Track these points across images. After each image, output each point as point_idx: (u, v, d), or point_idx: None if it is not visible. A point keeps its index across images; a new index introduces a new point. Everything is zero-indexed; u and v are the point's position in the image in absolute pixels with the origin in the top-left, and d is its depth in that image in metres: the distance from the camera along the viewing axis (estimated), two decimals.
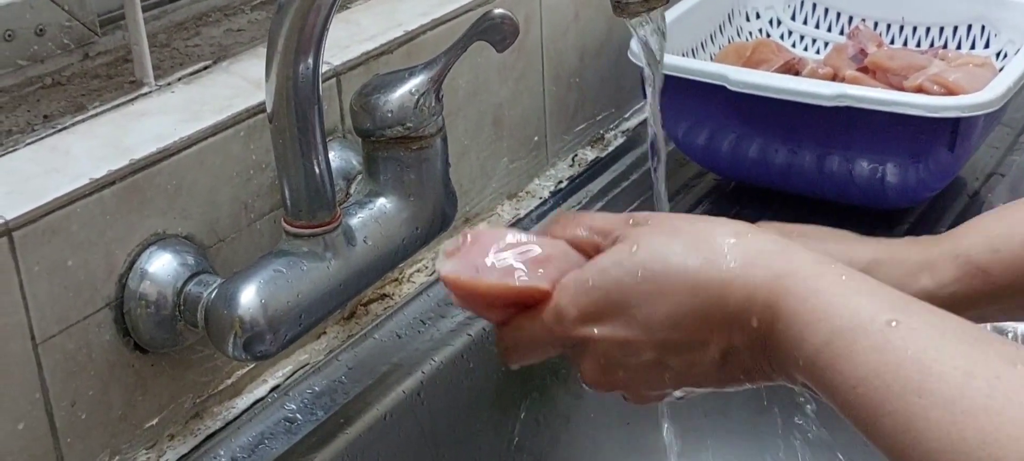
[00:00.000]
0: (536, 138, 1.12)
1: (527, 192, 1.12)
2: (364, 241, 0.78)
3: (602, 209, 1.11)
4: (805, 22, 1.27)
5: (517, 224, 1.08)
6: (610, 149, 1.22)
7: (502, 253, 0.67)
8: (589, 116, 1.20)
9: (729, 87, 1.02)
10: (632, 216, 0.66)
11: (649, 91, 0.67)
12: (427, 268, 0.99)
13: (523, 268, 0.65)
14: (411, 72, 0.79)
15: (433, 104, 0.79)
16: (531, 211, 1.10)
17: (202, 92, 0.82)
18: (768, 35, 1.27)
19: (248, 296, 0.71)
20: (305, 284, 0.73)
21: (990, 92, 0.96)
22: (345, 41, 0.91)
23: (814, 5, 1.26)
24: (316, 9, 0.68)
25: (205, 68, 0.86)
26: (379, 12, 0.97)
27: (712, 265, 0.59)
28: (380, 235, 0.79)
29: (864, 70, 1.09)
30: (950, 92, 1.03)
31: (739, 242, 0.60)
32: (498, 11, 0.77)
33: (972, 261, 0.68)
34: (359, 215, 0.79)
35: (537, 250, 0.67)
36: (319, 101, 0.72)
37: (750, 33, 1.27)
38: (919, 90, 1.05)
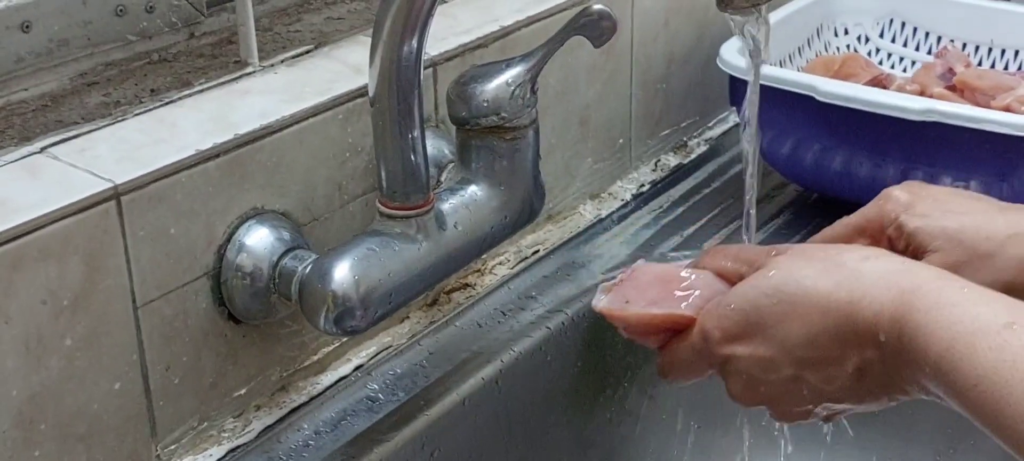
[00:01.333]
0: (621, 141, 1.13)
1: (609, 193, 1.13)
2: (454, 226, 0.79)
3: (684, 214, 1.13)
4: (893, 40, 1.27)
5: (599, 224, 1.09)
6: (693, 156, 1.23)
7: (653, 286, 0.76)
8: (673, 123, 1.21)
9: (817, 97, 1.03)
10: (774, 247, 0.71)
11: (749, 88, 0.68)
12: (509, 261, 1.01)
13: (669, 298, 0.74)
14: (508, 63, 0.81)
15: (528, 96, 0.81)
16: (612, 212, 1.11)
17: (304, 75, 0.85)
18: (856, 51, 1.28)
19: (342, 272, 0.73)
20: (396, 264, 0.75)
21: None
22: (443, 34, 0.93)
23: (903, 24, 1.27)
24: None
25: (306, 52, 0.88)
26: (476, 7, 0.99)
27: (841, 287, 0.64)
28: (470, 221, 0.80)
29: (952, 88, 1.09)
30: None
31: (866, 264, 0.65)
32: (597, 6, 0.79)
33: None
34: (450, 201, 0.80)
35: (686, 280, 0.75)
36: (419, 85, 0.73)
37: (837, 48, 1.27)
38: (1007, 110, 1.04)
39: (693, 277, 0.76)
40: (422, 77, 0.74)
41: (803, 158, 1.09)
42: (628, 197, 1.14)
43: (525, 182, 0.84)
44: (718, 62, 1.09)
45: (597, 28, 0.79)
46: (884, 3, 1.27)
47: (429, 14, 0.71)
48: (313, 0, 0.99)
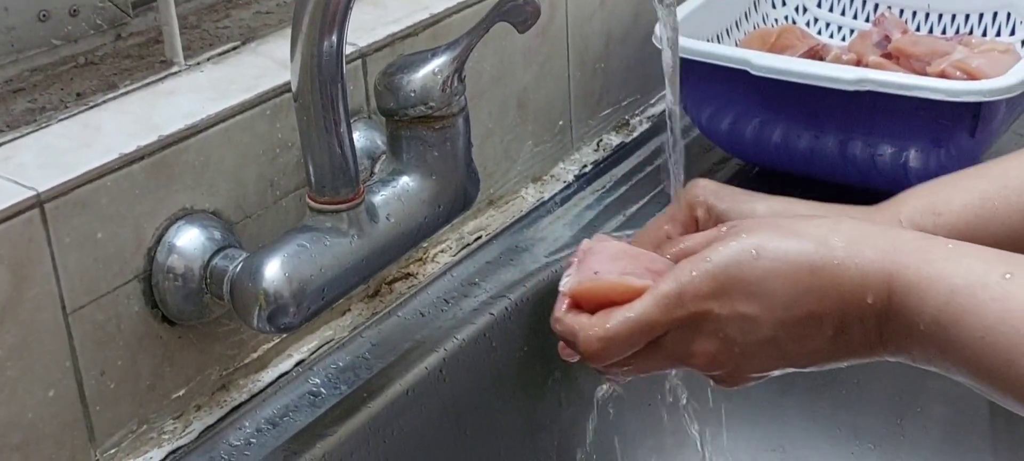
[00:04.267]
0: (561, 122, 1.13)
1: (551, 176, 1.13)
2: (387, 218, 0.79)
3: (627, 193, 1.13)
4: (831, 9, 1.28)
5: (541, 207, 1.09)
6: (635, 134, 1.23)
7: (621, 258, 0.71)
8: (614, 101, 1.21)
9: (752, 72, 1.03)
10: (726, 223, 0.69)
11: (666, 74, 0.68)
12: (451, 248, 1.01)
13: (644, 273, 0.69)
14: (434, 53, 0.81)
15: (456, 84, 0.81)
16: (555, 194, 1.11)
17: (230, 72, 0.84)
18: (794, 22, 1.28)
19: (272, 269, 0.73)
20: (328, 258, 0.75)
21: (1012, 77, 0.96)
22: (371, 23, 0.93)
23: None
24: None
25: (233, 49, 0.88)
26: None
27: (824, 245, 0.62)
28: (402, 213, 0.80)
29: (888, 56, 1.10)
30: (973, 78, 1.03)
31: (840, 228, 0.63)
32: None
33: (914, 225, 0.68)
34: (382, 193, 0.80)
35: (657, 258, 0.71)
36: (343, 79, 0.73)
37: (775, 20, 1.27)
38: (942, 76, 1.05)
39: (638, 253, 0.73)
40: (345, 70, 0.73)
41: (742, 132, 1.10)
42: (570, 178, 1.14)
43: (457, 171, 0.84)
44: (653, 40, 1.09)
45: (521, 13, 0.79)
46: None
47: (348, 6, 0.71)
48: None
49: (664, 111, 1.25)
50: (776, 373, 0.68)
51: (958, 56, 1.06)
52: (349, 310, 0.92)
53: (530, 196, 1.10)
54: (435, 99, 0.80)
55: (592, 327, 0.68)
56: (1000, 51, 1.08)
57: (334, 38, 0.71)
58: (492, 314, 0.94)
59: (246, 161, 0.81)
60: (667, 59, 0.68)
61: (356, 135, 0.87)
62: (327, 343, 0.89)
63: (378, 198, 0.79)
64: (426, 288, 0.96)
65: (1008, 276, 0.57)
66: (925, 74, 1.07)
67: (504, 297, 0.96)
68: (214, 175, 0.79)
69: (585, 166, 1.16)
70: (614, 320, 0.67)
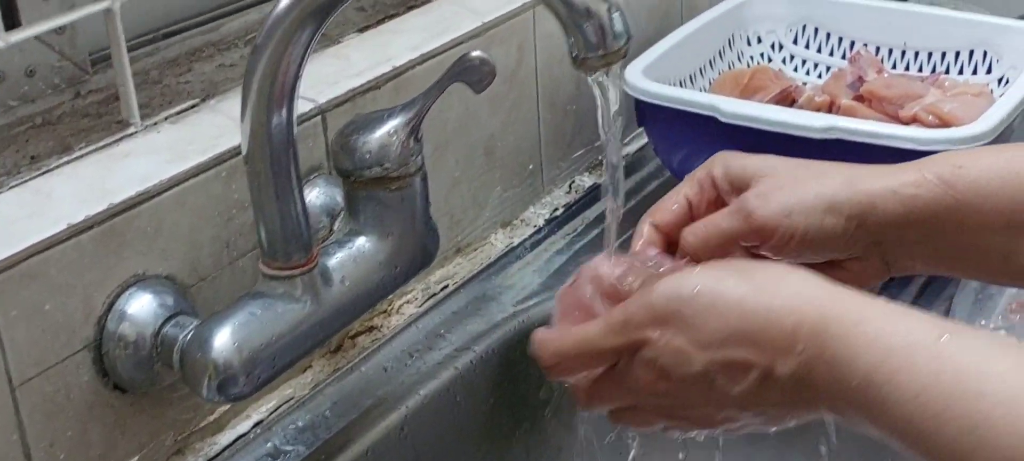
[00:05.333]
0: (531, 166, 1.13)
1: (521, 220, 1.13)
2: (342, 282, 0.78)
3: (600, 235, 1.12)
4: (807, 46, 1.27)
5: (511, 253, 1.09)
6: None
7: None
8: (587, 142, 1.21)
9: (720, 119, 1.02)
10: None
11: (607, 140, 0.67)
12: (417, 299, 1.00)
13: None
14: (390, 113, 0.80)
15: (412, 144, 0.80)
16: (525, 239, 1.10)
17: (187, 132, 0.84)
18: (770, 60, 1.27)
19: (222, 339, 0.72)
20: (280, 326, 0.74)
21: (981, 125, 0.96)
22: (333, 77, 0.92)
23: (816, 29, 1.26)
24: (288, 57, 0.69)
25: (192, 107, 0.87)
26: (370, 46, 0.98)
27: (762, 291, 0.62)
28: (358, 275, 0.79)
29: (860, 99, 1.09)
30: (945, 123, 1.02)
31: (787, 278, 0.63)
32: (475, 53, 0.78)
33: (936, 173, 0.69)
34: (338, 255, 0.79)
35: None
36: (293, 145, 0.72)
37: (751, 57, 1.27)
38: (914, 120, 1.04)
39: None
40: (298, 133, 0.73)
41: None
42: (541, 222, 1.13)
43: (415, 230, 0.83)
44: (622, 85, 1.09)
45: (476, 73, 0.78)
46: (796, 9, 1.27)
47: (297, 76, 0.70)
48: (206, 48, 0.97)
49: (638, 149, 1.25)
50: (725, 426, 0.69)
51: (930, 100, 1.05)
52: (310, 367, 0.91)
53: (499, 242, 1.09)
54: (391, 160, 0.79)
55: (549, 341, 0.70)
56: (973, 94, 1.07)
57: (284, 110, 0.70)
58: (456, 368, 0.93)
59: (201, 223, 0.80)
60: (606, 129, 0.67)
61: (315, 192, 0.87)
62: (287, 402, 0.88)
63: (333, 261, 0.79)
64: (390, 341, 0.95)
65: (945, 339, 0.57)
66: (897, 118, 1.06)
67: (469, 350, 0.95)
68: (167, 239, 0.78)
69: (556, 209, 1.15)
70: (567, 337, 0.69)
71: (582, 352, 0.68)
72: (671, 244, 0.71)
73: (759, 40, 1.27)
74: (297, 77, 0.70)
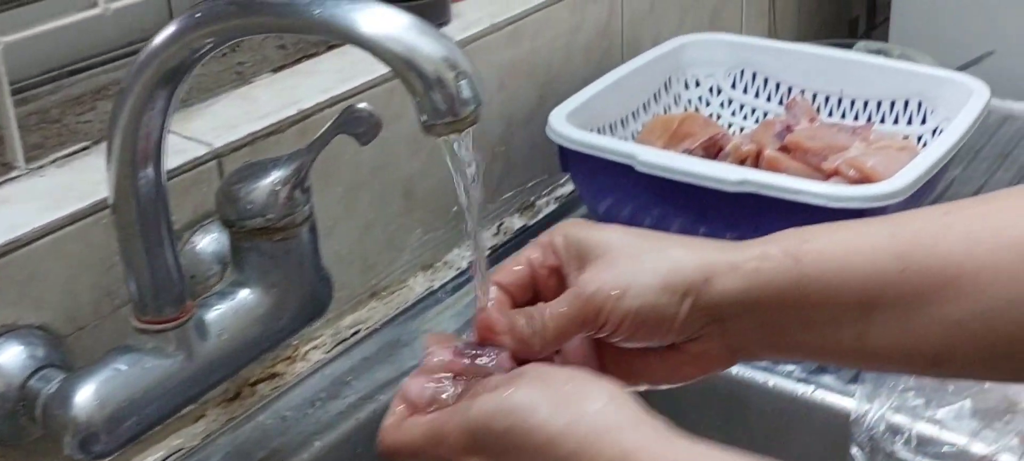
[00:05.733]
0: (454, 208, 1.11)
1: (444, 263, 1.11)
2: (219, 336, 0.77)
3: None
4: (745, 91, 1.25)
5: (431, 297, 1.07)
6: (540, 216, 1.20)
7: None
8: (518, 183, 1.19)
9: (637, 167, 1.00)
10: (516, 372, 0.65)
11: (465, 209, 0.66)
12: (325, 345, 0.98)
13: None
14: (276, 163, 0.78)
15: (298, 195, 0.78)
16: (446, 282, 1.09)
17: (72, 177, 0.82)
18: (708, 103, 1.26)
19: (85, 396, 0.71)
20: (148, 382, 0.73)
21: (896, 181, 0.94)
22: (235, 119, 0.91)
23: (755, 74, 1.25)
24: (147, 119, 0.67)
25: (83, 149, 0.85)
26: (280, 88, 0.97)
27: (570, 431, 0.59)
28: (237, 328, 0.78)
29: (785, 149, 1.07)
30: (865, 177, 1.01)
31: (601, 413, 0.59)
32: (362, 105, 0.76)
33: (781, 247, 0.64)
34: (217, 308, 0.78)
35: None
36: (164, 199, 0.71)
37: (689, 101, 1.25)
38: (835, 173, 1.03)
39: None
40: (165, 187, 0.71)
41: (641, 225, 1.07)
42: (464, 265, 1.11)
43: (302, 281, 0.81)
44: (546, 131, 1.07)
45: (361, 125, 0.76)
46: (735, 54, 1.25)
47: (162, 131, 0.68)
48: (112, 86, 0.96)
49: (572, 191, 1.24)
50: None
51: (853, 153, 1.03)
52: (203, 416, 0.89)
53: (419, 285, 1.07)
54: (274, 211, 0.77)
55: (388, 427, 0.66)
56: (897, 148, 1.05)
57: (149, 167, 0.68)
58: (359, 418, 0.92)
59: (79, 271, 0.78)
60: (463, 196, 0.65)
61: (207, 239, 0.85)
62: (176, 453, 0.86)
63: (212, 314, 0.77)
64: (292, 389, 0.94)
65: None
66: (820, 169, 1.05)
67: (374, 399, 0.93)
68: (42, 288, 0.76)
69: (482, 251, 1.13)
70: (402, 429, 0.66)
71: (406, 448, 0.65)
72: (515, 303, 0.69)
73: (697, 84, 1.26)
74: (161, 136, 0.68)
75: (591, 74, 1.22)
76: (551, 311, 0.64)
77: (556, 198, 1.23)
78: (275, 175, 0.78)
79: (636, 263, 0.64)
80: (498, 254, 1.14)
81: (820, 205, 0.93)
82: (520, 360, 0.65)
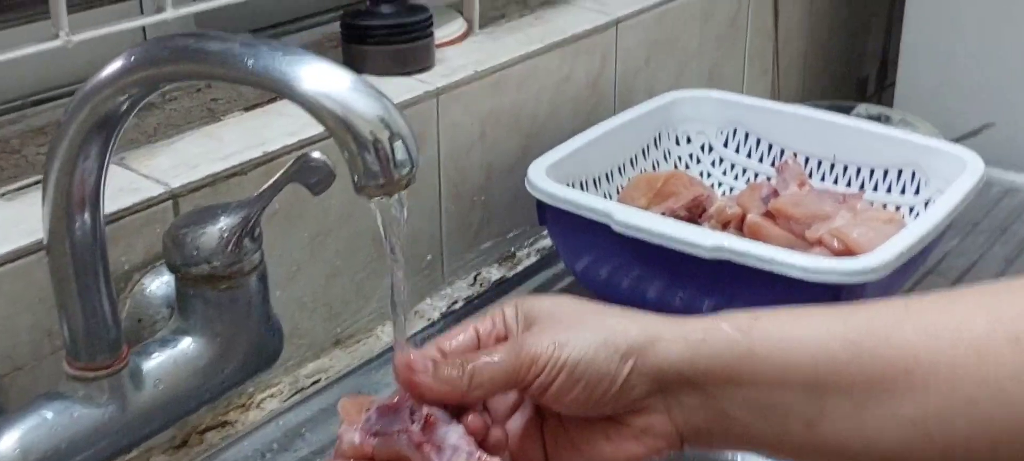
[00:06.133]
0: (429, 257, 1.08)
1: (416, 312, 1.08)
2: (156, 386, 0.74)
3: None
4: (737, 150, 1.22)
5: None
6: (520, 268, 1.18)
7: None
8: (497, 233, 1.16)
9: (613, 227, 0.98)
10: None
11: (391, 272, 0.62)
12: (282, 393, 0.96)
13: None
14: (225, 209, 0.76)
15: (247, 243, 0.76)
16: (416, 332, 1.06)
17: (20, 211, 0.80)
18: (698, 160, 1.23)
19: (7, 443, 0.68)
20: (74, 431, 0.70)
21: (878, 256, 0.91)
22: (197, 159, 0.88)
23: (747, 134, 1.22)
24: (82, 168, 0.65)
25: (35, 183, 0.83)
26: (249, 128, 0.95)
27: None
28: (177, 378, 0.75)
29: (769, 215, 1.04)
30: (848, 249, 0.98)
31: None
32: (315, 154, 0.74)
33: (731, 322, 0.61)
34: (157, 356, 0.75)
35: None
36: (101, 245, 0.69)
37: (679, 157, 1.22)
38: (818, 243, 1.00)
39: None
40: (104, 233, 0.69)
41: (619, 284, 1.04)
42: (436, 315, 1.09)
43: (249, 331, 0.79)
44: (525, 183, 1.04)
45: (314, 174, 0.74)
46: (727, 112, 1.22)
47: (97, 184, 0.66)
48: None
49: (552, 243, 1.21)
50: None
51: (839, 223, 1.00)
52: None
53: (385, 335, 1.05)
54: (219, 258, 0.75)
55: None
56: (884, 220, 1.02)
57: (86, 213, 0.66)
58: None
59: (18, 310, 0.76)
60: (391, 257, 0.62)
61: (157, 282, 0.83)
62: None
63: (150, 362, 0.75)
64: (243, 439, 0.91)
65: None
66: (803, 238, 1.02)
67: (327, 453, 0.90)
68: None
69: (455, 302, 1.11)
70: None
71: None
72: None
73: (688, 140, 1.23)
74: (98, 180, 0.66)
75: (579, 126, 1.19)
76: (484, 359, 0.61)
77: (537, 250, 1.20)
78: (223, 222, 0.75)
79: (579, 322, 0.61)
80: (474, 305, 1.11)
81: (797, 278, 0.90)
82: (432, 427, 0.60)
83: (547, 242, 1.21)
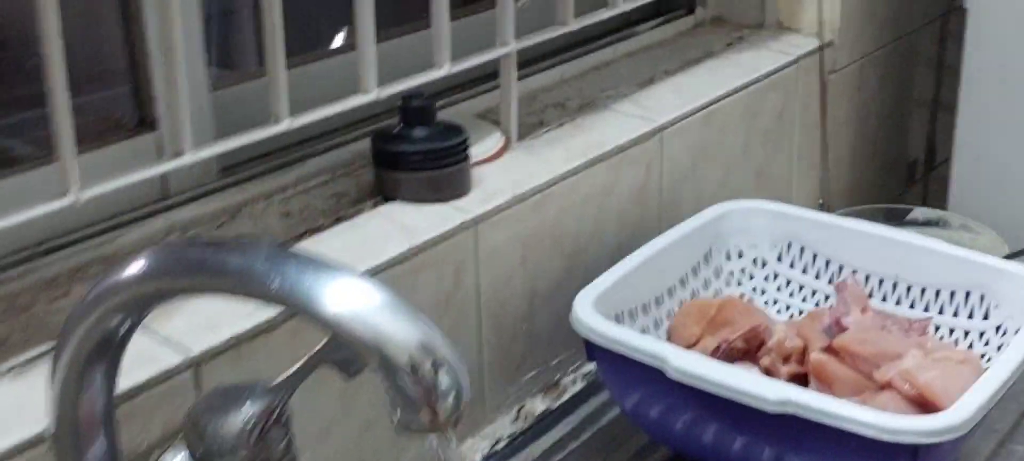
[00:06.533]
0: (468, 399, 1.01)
1: None
2: None
3: None
4: (792, 265, 1.15)
5: None
6: (565, 397, 1.11)
7: None
8: (541, 362, 1.09)
9: (668, 374, 0.91)
10: None
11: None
12: None
13: None
14: (251, 392, 0.69)
15: (275, 432, 0.69)
16: None
17: (23, 394, 0.73)
18: (751, 276, 1.16)
19: None
20: None
21: (957, 414, 0.84)
22: (217, 318, 0.82)
23: (802, 249, 1.15)
24: (84, 398, 0.58)
25: (40, 355, 0.77)
26: None
27: None
28: None
29: (833, 350, 0.97)
30: (920, 395, 0.90)
31: None
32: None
33: None
34: None
35: None
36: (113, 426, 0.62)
37: (731, 273, 1.15)
38: (887, 386, 0.92)
39: None
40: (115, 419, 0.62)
41: (672, 426, 0.97)
42: (479, 458, 1.02)
43: None
44: (571, 320, 0.98)
45: (347, 356, 0.67)
46: (781, 225, 1.15)
47: (107, 408, 0.60)
48: (92, 265, 0.87)
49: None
50: None
51: (909, 363, 0.93)
52: None
53: None
54: (244, 450, 0.68)
55: None
56: (958, 360, 0.94)
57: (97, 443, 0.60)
58: None
59: None
60: None
61: (180, 457, 0.76)
62: None
63: None
64: None
65: None
66: (871, 379, 0.94)
67: None
68: None
69: (498, 441, 1.04)
70: None
71: None
72: None
73: (740, 255, 1.16)
74: (107, 406, 0.59)
75: (624, 241, 1.13)
76: None
77: (583, 375, 1.14)
78: (247, 410, 0.69)
79: None
80: (517, 443, 1.04)
81: (868, 436, 0.83)
82: None
83: (592, 366, 1.14)
